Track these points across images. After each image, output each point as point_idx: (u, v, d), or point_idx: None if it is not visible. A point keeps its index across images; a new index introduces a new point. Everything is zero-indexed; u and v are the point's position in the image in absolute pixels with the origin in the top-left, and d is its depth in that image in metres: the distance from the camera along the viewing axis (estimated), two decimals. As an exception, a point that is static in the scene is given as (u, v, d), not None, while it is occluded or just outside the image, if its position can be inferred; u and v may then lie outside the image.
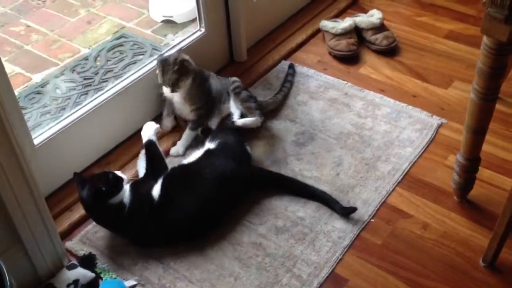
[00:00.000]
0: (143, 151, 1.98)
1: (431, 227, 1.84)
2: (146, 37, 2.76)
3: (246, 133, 2.11)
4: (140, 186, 1.83)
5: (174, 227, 1.79)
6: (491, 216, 1.82)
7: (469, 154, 1.77)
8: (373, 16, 2.59)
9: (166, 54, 2.09)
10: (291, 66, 2.43)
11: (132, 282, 1.71)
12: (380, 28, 2.56)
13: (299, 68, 2.45)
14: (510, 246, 1.72)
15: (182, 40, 2.29)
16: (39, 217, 1.60)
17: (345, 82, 2.38)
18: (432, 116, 2.20)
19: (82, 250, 1.81)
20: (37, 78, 2.57)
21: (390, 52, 2.52)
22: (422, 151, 2.07)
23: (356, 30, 2.58)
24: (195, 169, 1.89)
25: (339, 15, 2.76)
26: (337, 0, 2.84)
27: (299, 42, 2.60)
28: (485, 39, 1.54)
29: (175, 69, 2.00)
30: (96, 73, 2.53)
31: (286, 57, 2.53)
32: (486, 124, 1.71)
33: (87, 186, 1.73)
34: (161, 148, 1.98)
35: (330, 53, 2.54)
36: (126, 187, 1.77)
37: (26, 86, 2.53)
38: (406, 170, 2.01)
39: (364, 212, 1.88)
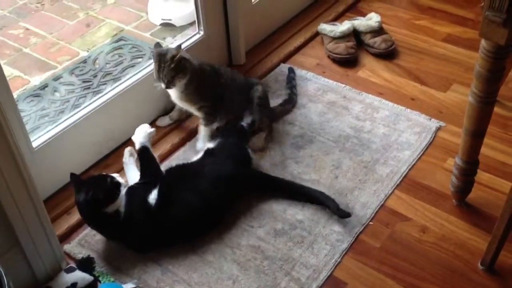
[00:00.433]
0: (128, 158, 1.96)
1: (429, 230, 1.84)
2: (145, 40, 2.75)
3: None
4: (136, 193, 1.80)
5: (173, 228, 1.78)
6: (489, 219, 1.82)
7: (467, 157, 1.77)
8: (372, 20, 2.59)
9: (164, 47, 2.01)
10: (292, 70, 2.42)
11: (130, 285, 1.71)
12: (378, 31, 2.56)
13: (298, 71, 2.45)
14: (508, 249, 1.72)
15: (181, 43, 2.28)
16: (38, 220, 1.60)
17: (344, 85, 2.38)
18: (430, 119, 2.20)
19: (81, 253, 1.80)
20: (35, 81, 2.57)
21: (388, 55, 2.53)
22: (420, 154, 2.07)
23: (355, 34, 2.58)
24: (195, 169, 1.88)
25: (338, 18, 2.77)
26: (335, 3, 2.85)
27: (298, 45, 2.60)
28: (483, 42, 1.54)
29: (172, 67, 1.91)
30: (95, 76, 2.53)
31: (284, 60, 2.54)
32: (485, 127, 1.71)
33: (83, 190, 1.72)
34: (160, 151, 1.97)
35: (328, 56, 2.54)
36: (123, 194, 1.75)
37: (25, 89, 2.52)
38: (405, 173, 2.01)
39: (363, 215, 1.87)
